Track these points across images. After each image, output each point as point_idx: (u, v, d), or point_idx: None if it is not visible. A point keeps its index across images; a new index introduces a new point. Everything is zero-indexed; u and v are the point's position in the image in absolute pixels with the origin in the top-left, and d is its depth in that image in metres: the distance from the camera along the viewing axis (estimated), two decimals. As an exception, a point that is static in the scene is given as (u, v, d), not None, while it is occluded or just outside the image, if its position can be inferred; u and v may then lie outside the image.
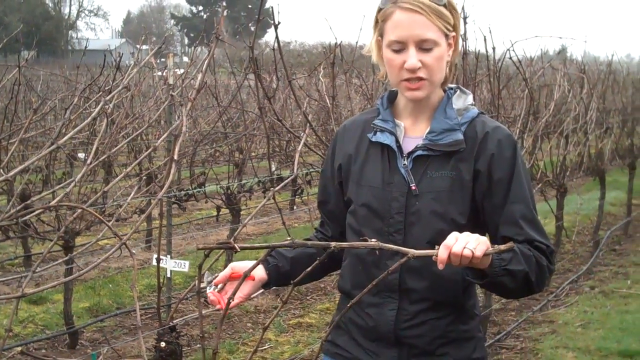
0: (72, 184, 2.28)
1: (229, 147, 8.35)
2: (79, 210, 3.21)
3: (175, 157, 1.90)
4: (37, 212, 2.41)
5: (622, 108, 9.84)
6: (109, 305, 6.27)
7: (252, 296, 2.27)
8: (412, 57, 1.99)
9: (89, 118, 2.50)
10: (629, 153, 9.57)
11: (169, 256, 5.04)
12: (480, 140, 2.05)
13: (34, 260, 7.02)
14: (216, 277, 2.11)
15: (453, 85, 2.17)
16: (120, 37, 63.43)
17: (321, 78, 5.00)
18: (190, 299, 6.38)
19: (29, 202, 2.34)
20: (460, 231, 1.80)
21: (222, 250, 1.65)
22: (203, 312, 1.79)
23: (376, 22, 2.09)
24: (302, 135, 3.38)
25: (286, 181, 2.18)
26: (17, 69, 3.83)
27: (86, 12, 65.01)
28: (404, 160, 2.08)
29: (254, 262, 1.75)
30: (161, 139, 2.21)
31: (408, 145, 2.10)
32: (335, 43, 4.34)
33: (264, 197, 5.50)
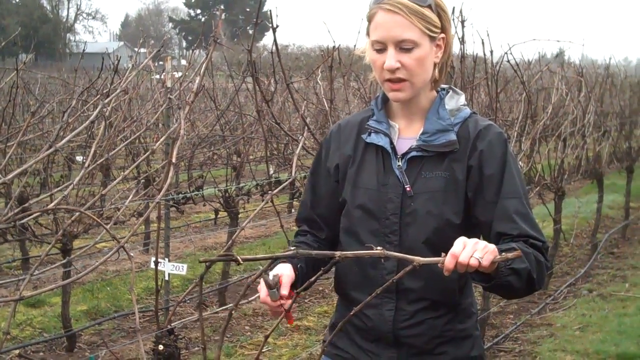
0: (70, 187, 2.28)
1: (226, 150, 8.35)
2: (77, 213, 3.21)
3: (173, 160, 1.90)
4: (35, 215, 2.40)
5: (620, 111, 9.85)
6: (107, 308, 6.26)
7: (250, 299, 2.27)
8: (390, 58, 2.01)
9: (87, 121, 2.51)
10: (626, 156, 9.58)
11: (167, 259, 5.04)
12: (473, 139, 2.07)
13: (32, 263, 7.02)
14: (277, 277, 1.94)
15: (445, 86, 2.18)
16: (118, 40, 63.48)
17: (319, 81, 5.02)
18: (189, 301, 6.38)
19: (26, 205, 2.35)
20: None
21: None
22: (201, 315, 1.79)
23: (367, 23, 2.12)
24: (300, 138, 3.38)
25: (284, 184, 2.19)
26: (15, 72, 3.83)
27: (84, 15, 65.08)
28: (398, 161, 2.09)
29: (291, 267, 1.99)
30: (159, 142, 2.21)
31: (402, 147, 2.11)
32: (333, 46, 4.34)
33: (262, 200, 5.50)
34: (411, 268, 1.59)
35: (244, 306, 6.19)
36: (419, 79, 2.06)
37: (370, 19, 2.06)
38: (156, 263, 1.99)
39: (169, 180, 1.90)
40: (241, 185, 7.14)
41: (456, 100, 2.14)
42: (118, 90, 3.21)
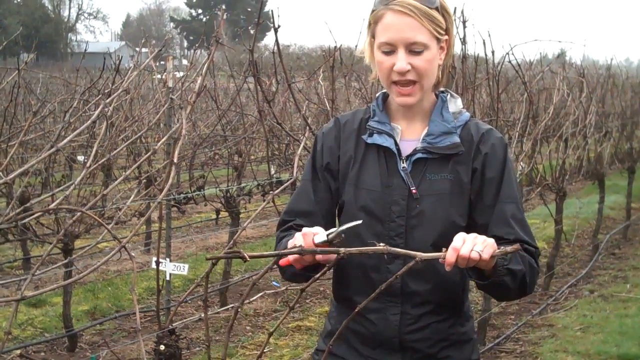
0: (72, 187, 2.28)
1: (228, 150, 8.35)
2: (78, 213, 3.21)
3: (175, 160, 1.90)
4: (36, 214, 2.40)
5: (621, 112, 9.85)
6: (108, 308, 6.26)
7: (252, 299, 2.26)
8: (401, 60, 1.99)
9: (89, 121, 2.50)
10: (628, 157, 9.58)
11: (168, 259, 5.04)
12: (477, 141, 2.07)
13: (33, 263, 7.03)
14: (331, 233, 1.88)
15: (442, 89, 2.16)
16: (120, 40, 63.45)
17: (320, 81, 5.00)
18: (190, 302, 6.38)
19: (28, 205, 2.35)
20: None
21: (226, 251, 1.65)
22: (201, 315, 1.79)
23: (369, 23, 2.08)
24: (301, 138, 3.38)
25: (285, 184, 2.19)
26: (17, 71, 3.84)
27: (85, 14, 65.25)
28: (403, 162, 2.08)
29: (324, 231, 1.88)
30: (161, 142, 2.21)
31: (405, 148, 2.10)
32: (335, 46, 4.34)
33: (263, 201, 5.50)
34: (414, 263, 1.59)
35: (245, 306, 6.19)
36: (428, 82, 2.05)
37: (377, 20, 2.02)
38: (157, 263, 1.98)
39: (170, 180, 1.90)
40: (242, 185, 7.14)
41: (455, 103, 2.14)
42: (119, 90, 3.21)
